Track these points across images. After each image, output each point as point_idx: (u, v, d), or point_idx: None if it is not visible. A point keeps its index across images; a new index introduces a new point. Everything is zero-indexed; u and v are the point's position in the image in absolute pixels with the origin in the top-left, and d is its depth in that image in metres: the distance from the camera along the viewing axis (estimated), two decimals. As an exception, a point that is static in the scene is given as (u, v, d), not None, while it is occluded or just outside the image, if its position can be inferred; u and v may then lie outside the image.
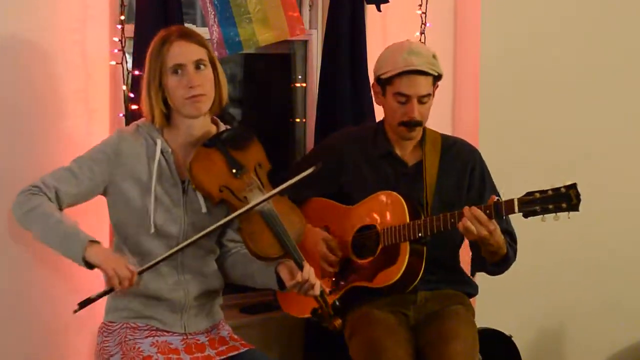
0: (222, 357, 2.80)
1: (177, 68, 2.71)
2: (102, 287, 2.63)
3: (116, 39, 3.19)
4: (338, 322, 2.82)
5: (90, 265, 2.60)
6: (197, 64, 2.73)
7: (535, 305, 4.18)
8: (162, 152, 2.76)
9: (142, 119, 2.82)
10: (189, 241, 2.69)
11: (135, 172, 2.74)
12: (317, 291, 2.75)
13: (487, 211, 2.93)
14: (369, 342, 3.03)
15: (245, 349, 2.85)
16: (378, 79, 3.20)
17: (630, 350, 4.49)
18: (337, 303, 2.89)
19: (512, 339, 3.76)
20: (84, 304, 2.59)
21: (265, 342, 3.64)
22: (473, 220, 2.92)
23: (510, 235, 3.19)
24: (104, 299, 2.69)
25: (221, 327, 2.93)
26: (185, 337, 2.82)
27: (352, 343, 3.13)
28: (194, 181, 2.74)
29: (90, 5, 3.17)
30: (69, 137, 3.03)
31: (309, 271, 2.71)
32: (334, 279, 3.05)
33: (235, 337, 2.91)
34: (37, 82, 3.09)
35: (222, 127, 2.87)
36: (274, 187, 2.76)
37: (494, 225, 2.93)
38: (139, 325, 2.79)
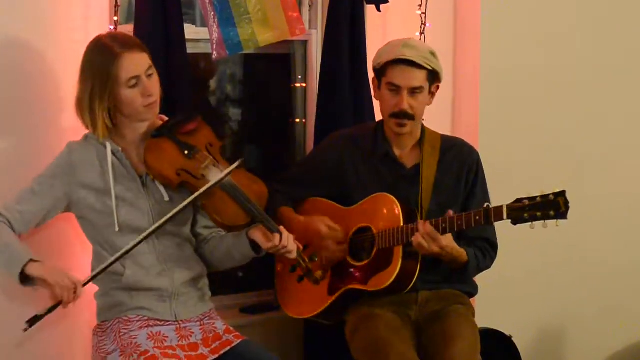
0: (215, 356, 2.82)
1: (133, 80, 2.77)
2: (91, 292, 2.74)
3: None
4: (319, 273, 2.96)
5: (27, 281, 2.65)
6: (148, 72, 2.80)
7: (535, 305, 4.18)
8: (113, 153, 2.83)
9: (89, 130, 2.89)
10: (153, 227, 2.77)
11: (88, 180, 2.82)
12: (294, 254, 2.86)
13: (443, 225, 2.98)
14: (373, 339, 3.04)
15: (239, 340, 2.89)
16: (374, 71, 3.23)
17: (629, 350, 4.48)
18: (315, 258, 3.03)
19: (512, 339, 3.76)
20: (32, 321, 2.62)
21: (265, 342, 3.62)
22: (425, 236, 2.98)
23: (490, 243, 3.21)
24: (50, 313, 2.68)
25: (214, 317, 2.96)
26: (177, 325, 2.86)
27: (354, 341, 3.14)
28: (151, 172, 2.84)
29: (90, 5, 3.16)
30: (68, 137, 3.02)
31: (287, 238, 2.81)
32: (314, 258, 3.06)
33: (231, 329, 2.94)
34: (37, 82, 3.09)
35: (165, 118, 2.94)
36: (228, 162, 2.87)
37: (446, 242, 3.00)
38: (130, 317, 2.83)
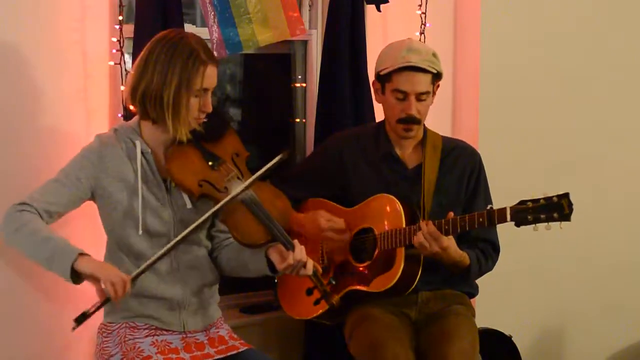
0: (221, 356, 2.80)
1: (203, 91, 2.73)
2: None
3: (115, 39, 3.18)
4: (335, 298, 2.85)
5: (78, 278, 2.59)
6: (213, 89, 2.77)
7: (535, 305, 4.18)
8: (142, 153, 2.78)
9: (120, 123, 2.85)
10: (177, 239, 2.70)
11: (121, 173, 2.76)
12: (309, 270, 2.76)
13: (446, 226, 2.97)
14: (370, 339, 3.04)
15: (245, 348, 2.86)
16: (378, 76, 3.21)
17: (630, 350, 4.48)
18: (333, 282, 2.94)
19: (512, 339, 3.76)
20: (80, 319, 2.57)
21: (265, 342, 3.64)
22: (427, 236, 2.97)
23: (492, 245, 3.21)
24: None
25: (220, 326, 2.93)
26: (184, 335, 2.83)
27: (352, 341, 3.14)
28: (174, 179, 2.77)
29: (90, 5, 3.16)
30: (68, 137, 3.03)
31: (300, 251, 2.72)
32: (332, 281, 3.05)
33: (235, 336, 2.91)
34: (37, 82, 3.09)
35: None
36: (254, 174, 2.76)
37: (447, 242, 2.98)
38: (137, 324, 2.80)
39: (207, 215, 2.71)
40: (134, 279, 2.63)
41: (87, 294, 2.94)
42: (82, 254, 2.59)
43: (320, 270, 2.85)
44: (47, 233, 2.63)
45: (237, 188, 2.71)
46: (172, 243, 2.70)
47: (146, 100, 2.71)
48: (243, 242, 2.72)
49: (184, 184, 2.75)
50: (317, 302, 3.10)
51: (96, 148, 2.77)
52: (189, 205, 2.80)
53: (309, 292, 3.09)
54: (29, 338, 3.13)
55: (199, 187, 2.74)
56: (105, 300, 2.58)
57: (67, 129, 3.11)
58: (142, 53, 2.76)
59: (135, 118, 2.83)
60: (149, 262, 2.66)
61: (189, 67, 2.69)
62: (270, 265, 2.77)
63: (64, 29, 3.11)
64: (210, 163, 2.78)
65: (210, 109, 2.76)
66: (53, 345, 3.17)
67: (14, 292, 3.10)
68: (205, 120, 2.78)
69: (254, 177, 2.72)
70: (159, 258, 2.68)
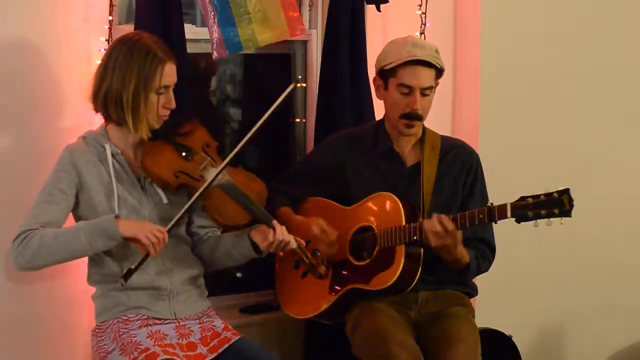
0: (214, 355, 2.83)
1: (163, 89, 2.81)
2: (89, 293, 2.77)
3: (104, 39, 3.18)
4: (322, 268, 2.99)
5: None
6: (174, 85, 2.86)
7: (535, 305, 4.18)
8: (112, 155, 2.84)
9: (87, 131, 2.92)
10: (170, 224, 2.79)
11: (96, 176, 2.82)
12: (293, 245, 2.88)
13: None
14: (373, 330, 3.05)
15: (237, 337, 2.90)
16: (381, 71, 3.22)
17: (630, 350, 4.48)
18: (318, 253, 3.01)
19: (512, 339, 3.76)
20: (127, 275, 2.71)
21: (265, 342, 3.63)
22: (440, 225, 2.97)
23: (488, 245, 3.21)
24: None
25: (212, 315, 2.97)
26: (177, 323, 2.86)
27: (355, 335, 3.14)
28: (150, 175, 2.85)
29: (90, 5, 3.17)
30: (69, 137, 3.02)
31: (281, 231, 2.84)
32: (317, 253, 3.05)
33: (229, 327, 2.95)
34: (37, 82, 3.09)
35: None
36: (231, 164, 2.86)
37: (460, 237, 3.01)
38: (129, 316, 2.84)
39: (189, 203, 2.80)
40: (169, 231, 2.75)
41: (87, 294, 2.96)
42: (116, 217, 2.71)
43: (304, 243, 2.96)
44: (66, 229, 2.73)
45: (213, 174, 2.81)
46: (177, 216, 2.80)
47: (108, 103, 2.80)
48: (225, 225, 2.86)
49: (160, 177, 2.84)
50: (304, 275, 3.16)
51: (67, 157, 2.84)
52: (165, 200, 2.88)
53: (296, 264, 3.15)
54: (29, 342, 3.13)
55: (175, 178, 2.85)
56: (146, 256, 2.72)
57: (68, 128, 3.11)
58: (102, 58, 2.84)
59: (102, 124, 2.91)
60: (176, 216, 2.78)
61: (147, 67, 2.78)
62: (255, 246, 2.87)
63: (65, 29, 3.12)
64: (183, 154, 2.89)
65: (173, 106, 2.85)
66: (53, 350, 3.18)
67: (14, 295, 3.10)
68: (169, 116, 2.86)
69: (227, 159, 2.82)
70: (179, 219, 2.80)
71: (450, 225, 2.96)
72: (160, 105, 2.82)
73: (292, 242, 2.88)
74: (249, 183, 2.91)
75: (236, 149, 2.82)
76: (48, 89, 3.11)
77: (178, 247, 2.93)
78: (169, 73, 2.83)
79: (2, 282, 3.05)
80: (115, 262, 2.83)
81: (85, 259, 2.89)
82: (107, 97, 2.80)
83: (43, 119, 3.11)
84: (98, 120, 3.09)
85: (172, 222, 2.79)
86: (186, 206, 2.81)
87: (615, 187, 4.31)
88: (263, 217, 2.86)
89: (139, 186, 2.88)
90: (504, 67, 3.93)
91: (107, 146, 2.85)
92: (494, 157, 3.42)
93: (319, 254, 3.03)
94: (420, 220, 3.05)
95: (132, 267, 2.72)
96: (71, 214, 2.85)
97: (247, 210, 2.84)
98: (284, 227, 2.87)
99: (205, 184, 2.80)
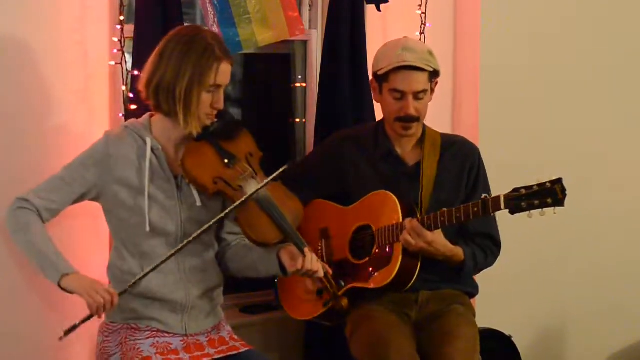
0: (221, 356, 2.80)
1: (215, 87, 2.73)
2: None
3: (116, 39, 3.18)
4: (345, 301, 2.89)
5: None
6: (225, 86, 2.78)
7: (535, 305, 4.18)
8: (152, 149, 2.77)
9: (130, 120, 2.85)
10: (187, 241, 2.71)
11: (124, 176, 2.75)
12: (320, 274, 2.77)
13: (442, 218, 2.99)
14: (372, 335, 3.04)
15: (245, 349, 2.85)
16: (375, 76, 3.22)
17: (630, 350, 4.49)
18: (342, 283, 2.95)
19: (512, 339, 3.76)
20: (69, 331, 2.63)
21: (265, 342, 3.64)
22: (412, 232, 2.98)
23: (492, 240, 3.20)
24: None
25: (222, 328, 2.93)
26: (185, 337, 2.82)
27: (354, 340, 3.14)
28: (188, 176, 2.76)
29: (90, 6, 3.16)
30: (69, 137, 3.03)
31: (310, 259, 2.73)
32: (342, 283, 3.05)
33: (235, 337, 2.91)
34: (37, 82, 3.09)
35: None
36: (267, 174, 2.77)
37: (432, 237, 3.00)
38: (139, 326, 2.79)
39: (223, 214, 2.73)
40: (121, 294, 2.66)
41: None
42: (65, 274, 2.64)
43: (330, 272, 2.85)
44: (40, 245, 2.68)
45: (252, 187, 2.73)
46: (180, 246, 2.71)
47: (159, 92, 2.72)
48: (257, 241, 2.73)
49: (198, 180, 2.76)
50: (326, 304, 3.06)
51: (103, 147, 2.77)
52: (198, 202, 2.79)
53: (319, 293, 3.10)
54: (29, 335, 3.13)
55: (213, 184, 2.75)
56: (89, 316, 2.62)
57: (68, 128, 3.11)
58: (158, 47, 2.76)
59: (146, 115, 2.84)
60: (143, 272, 2.69)
61: (203, 63, 2.70)
62: (281, 266, 2.78)
63: (65, 29, 3.12)
64: (225, 161, 2.79)
65: (221, 106, 2.76)
66: (54, 343, 3.17)
67: (17, 290, 3.10)
68: (216, 117, 2.78)
69: (271, 177, 2.73)
70: (160, 264, 2.70)
71: (418, 229, 2.98)
72: (210, 104, 2.73)
73: (320, 271, 2.76)
74: (287, 201, 2.79)
75: (283, 168, 2.72)
76: (47, 90, 3.09)
77: (202, 254, 2.85)
78: (224, 72, 2.73)
79: (5, 276, 3.05)
80: (135, 260, 2.77)
81: (103, 253, 2.87)
82: (159, 87, 2.72)
83: (42, 120, 3.10)
84: (99, 120, 3.10)
85: (199, 231, 2.71)
86: (217, 217, 2.72)
87: (614, 186, 4.31)
88: (296, 240, 2.73)
89: (174, 184, 2.79)
90: (504, 67, 3.93)
91: (149, 140, 2.77)
92: (493, 156, 3.41)
93: (343, 284, 2.97)
94: (418, 217, 3.05)
95: (76, 323, 2.62)
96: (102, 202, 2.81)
97: (281, 230, 2.72)
98: (314, 256, 2.75)
99: (243, 198, 2.69)
